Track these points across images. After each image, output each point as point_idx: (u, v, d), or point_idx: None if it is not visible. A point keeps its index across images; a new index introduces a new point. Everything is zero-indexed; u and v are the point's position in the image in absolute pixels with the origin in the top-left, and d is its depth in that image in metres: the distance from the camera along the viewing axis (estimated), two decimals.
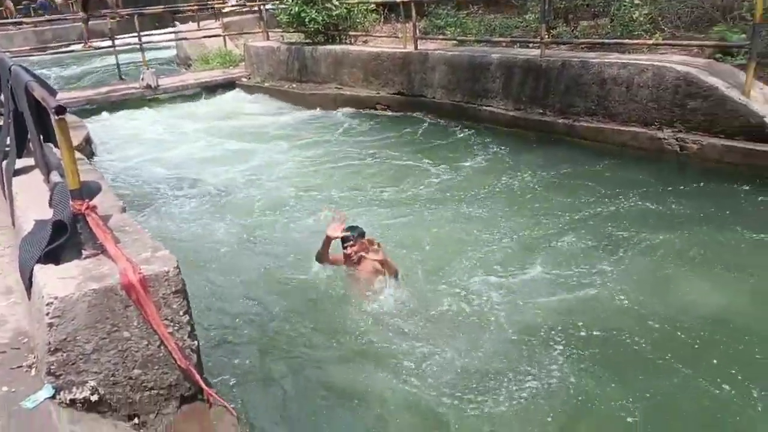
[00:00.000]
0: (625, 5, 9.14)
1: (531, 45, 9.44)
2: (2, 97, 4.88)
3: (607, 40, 8.75)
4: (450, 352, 4.02)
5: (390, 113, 10.41)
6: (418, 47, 10.29)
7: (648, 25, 8.79)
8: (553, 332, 4.19)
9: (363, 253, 4.67)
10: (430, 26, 11.91)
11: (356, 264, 4.75)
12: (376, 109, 10.67)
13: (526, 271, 4.98)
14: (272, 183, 7.63)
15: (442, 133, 9.14)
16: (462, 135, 8.95)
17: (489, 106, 9.07)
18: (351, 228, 4.81)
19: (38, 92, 3.35)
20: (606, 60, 7.77)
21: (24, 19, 20.61)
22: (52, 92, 3.70)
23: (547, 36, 8.60)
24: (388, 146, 8.78)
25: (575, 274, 4.89)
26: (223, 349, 4.19)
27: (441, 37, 11.11)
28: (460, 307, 4.49)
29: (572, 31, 10.00)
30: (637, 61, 7.43)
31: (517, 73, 8.71)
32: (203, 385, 2.98)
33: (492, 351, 4.03)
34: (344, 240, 4.72)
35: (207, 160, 8.86)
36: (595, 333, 4.17)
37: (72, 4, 14.40)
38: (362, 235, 4.79)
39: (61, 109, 2.88)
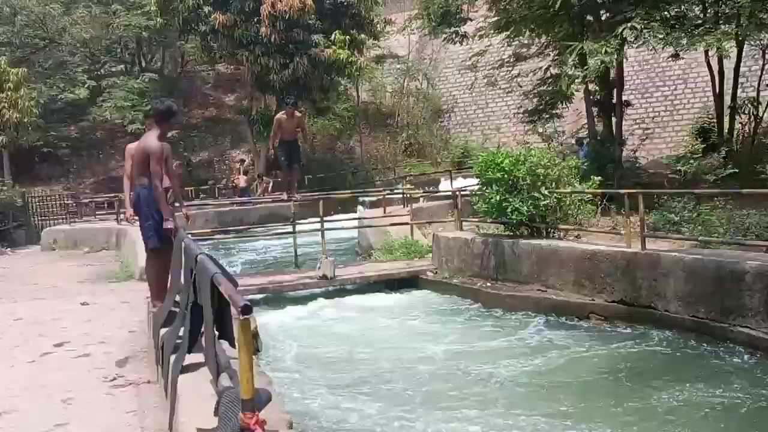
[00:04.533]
0: None
1: None
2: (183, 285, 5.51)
3: None
4: None
5: (609, 327, 10.03)
6: (647, 247, 10.09)
7: None
8: None
9: None
10: (662, 221, 11.76)
11: None
12: (590, 319, 10.37)
13: None
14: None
15: (684, 359, 8.50)
16: (714, 364, 8.22)
17: (746, 326, 8.43)
18: None
19: (224, 287, 3.72)
20: None
21: (208, 201, 23.99)
22: (235, 284, 4.12)
23: None
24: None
25: None
26: None
27: (676, 235, 10.86)
28: None
29: None
30: None
31: None
32: None
33: None
34: None
35: (393, 366, 8.99)
36: None
37: (265, 191, 17.12)
38: None
39: (246, 309, 3.15)
